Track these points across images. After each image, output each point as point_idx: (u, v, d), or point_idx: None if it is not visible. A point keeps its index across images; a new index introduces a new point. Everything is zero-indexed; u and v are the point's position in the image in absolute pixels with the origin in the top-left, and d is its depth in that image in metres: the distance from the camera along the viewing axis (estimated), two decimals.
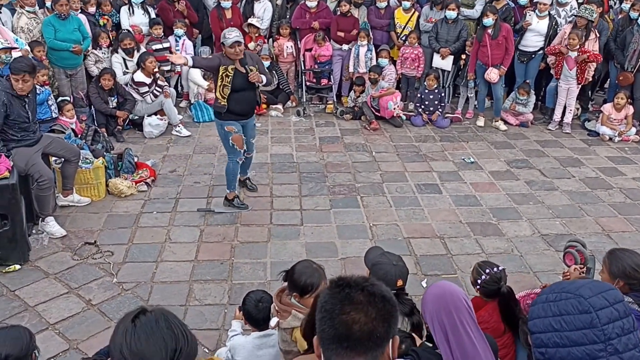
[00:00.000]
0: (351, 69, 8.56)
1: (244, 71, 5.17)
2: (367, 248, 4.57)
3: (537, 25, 7.95)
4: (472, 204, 5.94)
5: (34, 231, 5.14)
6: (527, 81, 8.16)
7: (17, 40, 6.66)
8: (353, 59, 8.48)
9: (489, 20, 7.64)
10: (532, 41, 8.00)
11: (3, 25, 6.77)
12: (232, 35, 5.04)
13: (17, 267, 4.67)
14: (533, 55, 8.08)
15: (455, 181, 6.47)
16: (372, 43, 8.47)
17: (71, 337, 3.95)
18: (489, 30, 7.71)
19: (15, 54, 6.36)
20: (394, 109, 8.03)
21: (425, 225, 5.52)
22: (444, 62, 8.40)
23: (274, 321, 2.54)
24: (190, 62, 5.23)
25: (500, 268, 3.27)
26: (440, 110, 8.21)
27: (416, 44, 8.41)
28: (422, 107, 8.23)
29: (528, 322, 1.60)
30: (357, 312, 1.42)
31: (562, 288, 1.54)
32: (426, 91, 8.21)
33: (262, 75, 5.29)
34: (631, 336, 1.48)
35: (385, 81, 8.15)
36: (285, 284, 2.78)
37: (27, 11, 7.17)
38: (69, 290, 4.46)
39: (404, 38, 8.52)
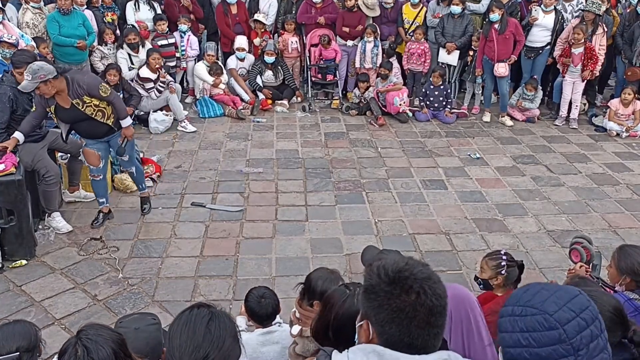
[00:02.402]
0: (357, 65, 8.54)
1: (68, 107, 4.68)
2: (372, 244, 4.61)
3: (544, 20, 7.89)
4: (478, 200, 5.92)
5: (40, 227, 5.17)
6: (535, 77, 8.11)
7: (22, 36, 6.67)
8: (359, 55, 8.45)
9: (495, 16, 7.60)
10: (539, 36, 7.95)
11: (8, 20, 6.78)
12: (29, 82, 4.40)
13: (24, 262, 4.70)
14: (540, 51, 8.03)
15: (461, 177, 6.44)
16: (379, 39, 8.43)
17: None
18: (496, 26, 7.67)
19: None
20: (400, 104, 8.01)
21: (431, 221, 5.50)
22: (449, 57, 8.36)
23: (295, 329, 2.52)
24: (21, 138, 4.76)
25: (504, 251, 3.34)
26: (448, 106, 8.18)
27: (422, 40, 8.37)
28: (427, 102, 8.20)
29: (498, 334, 1.60)
30: None
31: (527, 301, 1.52)
32: (431, 87, 8.18)
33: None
34: (599, 340, 1.47)
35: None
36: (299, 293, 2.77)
37: (32, 6, 7.19)
38: (75, 285, 4.48)
39: (411, 34, 8.48)
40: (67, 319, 4.10)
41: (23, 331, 2.36)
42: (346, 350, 1.59)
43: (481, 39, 7.88)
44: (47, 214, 5.20)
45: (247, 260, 4.84)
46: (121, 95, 7.24)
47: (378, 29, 8.41)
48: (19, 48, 6.27)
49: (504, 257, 3.23)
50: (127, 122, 5.02)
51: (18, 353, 2.26)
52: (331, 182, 6.25)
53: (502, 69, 7.76)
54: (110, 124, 4.92)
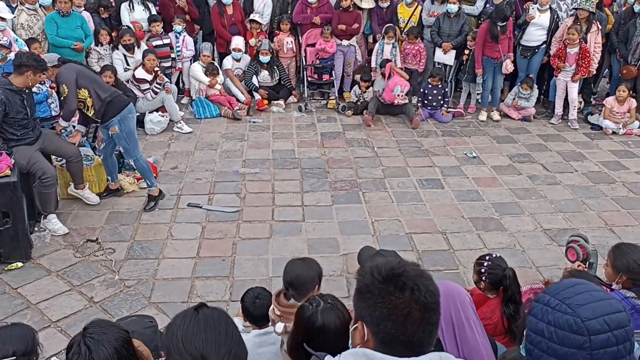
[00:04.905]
0: (373, 65, 8.50)
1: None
2: (369, 244, 4.62)
3: (539, 19, 7.91)
4: (474, 199, 5.92)
5: (36, 229, 5.15)
6: (530, 75, 8.13)
7: (16, 40, 6.66)
8: (376, 55, 8.42)
9: None
10: (535, 35, 7.97)
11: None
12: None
13: (20, 264, 4.68)
14: (536, 50, 8.04)
15: (458, 176, 6.45)
16: (397, 40, 8.39)
17: (73, 334, 3.91)
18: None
19: (14, 53, 6.36)
20: (398, 95, 7.96)
21: (427, 220, 5.50)
22: (446, 57, 8.38)
23: (279, 327, 2.53)
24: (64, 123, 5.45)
25: (496, 255, 3.29)
26: (445, 105, 8.19)
27: (417, 40, 8.37)
28: (425, 101, 8.20)
29: (527, 315, 1.59)
30: None
31: (565, 298, 1.49)
32: (429, 86, 8.18)
33: None
34: None
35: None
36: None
37: (27, 8, 7.17)
38: (71, 287, 4.46)
39: (407, 33, 8.48)
40: (64, 322, 4.08)
41: (20, 335, 2.35)
42: (339, 355, 1.59)
43: (479, 39, 7.86)
44: (42, 216, 5.18)
45: (244, 261, 4.83)
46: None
47: (397, 30, 8.40)
48: (11, 51, 6.27)
49: (485, 264, 3.22)
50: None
51: (15, 357, 2.26)
52: (327, 182, 6.25)
53: (510, 65, 7.84)
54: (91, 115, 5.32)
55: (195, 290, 4.46)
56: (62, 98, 5.28)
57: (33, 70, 4.78)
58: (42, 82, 6.12)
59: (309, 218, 5.51)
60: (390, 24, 8.41)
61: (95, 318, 2.17)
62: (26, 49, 6.66)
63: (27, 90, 4.92)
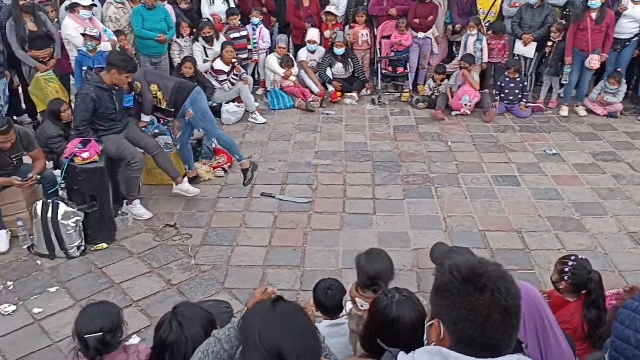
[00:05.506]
0: (459, 59, 8.32)
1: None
2: (440, 239, 4.54)
3: (632, 10, 7.45)
4: (553, 198, 5.69)
5: (119, 212, 5.42)
6: (619, 69, 7.69)
7: (105, 31, 7.00)
8: (462, 48, 8.26)
9: (596, 2, 7.23)
10: (627, 28, 7.51)
11: (93, 14, 7.12)
12: None
13: (104, 245, 4.96)
14: (627, 43, 7.59)
15: (535, 173, 6.22)
16: (482, 33, 8.13)
17: (153, 314, 4.14)
18: (592, 14, 7.30)
19: (104, 44, 6.71)
20: (465, 104, 7.79)
21: (502, 218, 5.35)
22: (526, 49, 8.06)
23: (349, 306, 2.56)
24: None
25: (582, 257, 3.15)
26: (523, 100, 7.89)
27: (503, 35, 8.08)
28: (502, 95, 7.95)
29: (613, 322, 1.53)
30: None
31: None
32: (507, 79, 7.91)
33: None
34: None
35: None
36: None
37: (115, 1, 7.52)
38: (150, 269, 4.68)
39: (487, 24, 8.22)
40: (144, 301, 4.29)
41: (107, 312, 2.50)
42: (412, 352, 1.58)
43: (571, 28, 7.50)
44: (126, 201, 5.44)
45: (315, 251, 4.88)
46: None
47: (482, 21, 8.14)
48: (101, 41, 6.61)
49: (570, 264, 3.08)
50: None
51: (102, 333, 2.40)
52: (399, 176, 6.20)
53: (595, 61, 7.41)
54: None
55: (267, 278, 4.56)
56: (137, 94, 5.53)
57: (118, 70, 5.01)
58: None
59: (380, 211, 5.49)
60: (475, 16, 8.17)
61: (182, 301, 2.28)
62: (115, 39, 7.01)
63: (116, 87, 5.17)
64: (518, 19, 7.98)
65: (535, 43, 7.96)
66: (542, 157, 6.60)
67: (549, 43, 7.88)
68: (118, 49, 6.95)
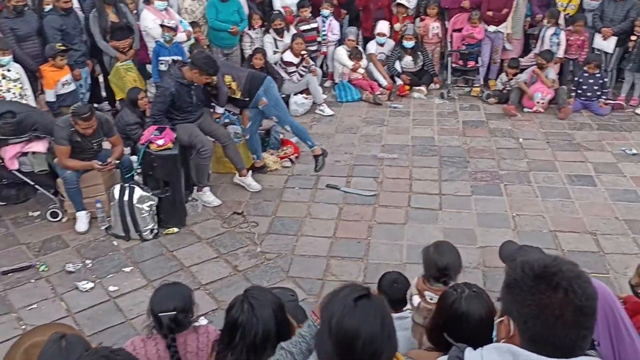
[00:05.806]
0: (536, 51, 8.05)
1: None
2: (509, 238, 4.42)
3: None
4: (632, 200, 5.43)
5: (190, 199, 5.61)
6: None
7: (181, 22, 7.23)
8: (539, 42, 8.00)
9: None
10: None
11: (170, 7, 7.37)
12: None
13: (176, 230, 5.15)
14: None
15: (613, 174, 5.94)
16: (561, 28, 7.84)
17: (220, 298, 4.28)
18: None
19: (180, 34, 6.94)
20: (538, 102, 7.51)
21: (575, 219, 5.15)
22: (605, 43, 7.67)
23: (416, 299, 2.55)
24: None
25: None
26: (603, 97, 7.52)
27: (582, 30, 7.73)
28: (579, 91, 7.61)
29: None
30: None
31: None
32: (585, 75, 7.57)
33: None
34: None
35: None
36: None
37: None
38: (218, 255, 4.83)
39: (567, 16, 7.87)
40: (211, 285, 4.44)
41: (180, 293, 2.60)
42: (480, 348, 1.56)
43: None
44: (197, 188, 5.62)
45: (379, 244, 4.88)
46: None
47: (562, 15, 7.84)
48: (177, 32, 6.83)
49: None
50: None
51: (175, 312, 2.50)
52: (467, 172, 6.08)
53: None
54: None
55: (330, 269, 4.60)
56: (212, 87, 5.63)
57: (199, 71, 5.20)
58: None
59: (446, 207, 5.41)
60: (553, 9, 7.85)
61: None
62: (190, 29, 7.22)
63: (195, 83, 5.34)
64: (600, 12, 7.61)
65: (615, 37, 7.56)
66: (621, 157, 6.30)
67: (633, 37, 7.46)
68: (193, 40, 7.17)
